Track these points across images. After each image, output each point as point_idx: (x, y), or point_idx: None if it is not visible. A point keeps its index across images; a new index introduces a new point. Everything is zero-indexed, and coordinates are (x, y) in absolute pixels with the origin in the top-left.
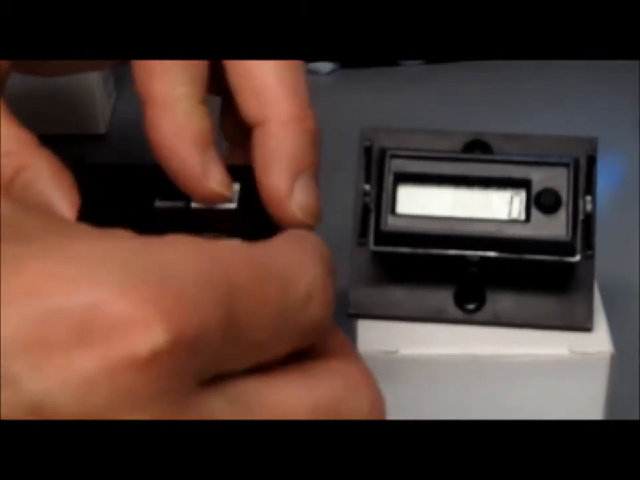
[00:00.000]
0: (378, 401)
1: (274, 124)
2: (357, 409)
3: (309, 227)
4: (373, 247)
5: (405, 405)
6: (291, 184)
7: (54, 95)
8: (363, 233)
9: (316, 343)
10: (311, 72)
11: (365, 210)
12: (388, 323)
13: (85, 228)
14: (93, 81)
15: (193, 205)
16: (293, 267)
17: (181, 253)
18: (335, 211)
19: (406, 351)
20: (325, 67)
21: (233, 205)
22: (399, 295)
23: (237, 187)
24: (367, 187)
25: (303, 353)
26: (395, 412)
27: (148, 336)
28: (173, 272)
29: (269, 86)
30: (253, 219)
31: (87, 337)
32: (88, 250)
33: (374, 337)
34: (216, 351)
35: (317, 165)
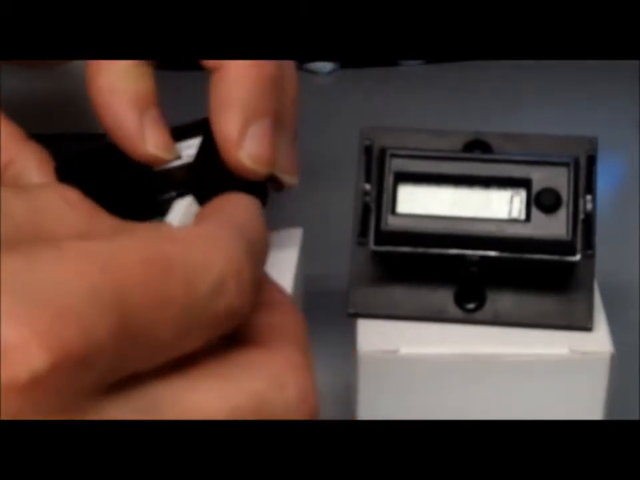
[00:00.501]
0: (306, 394)
1: (228, 69)
2: (281, 406)
3: (259, 176)
4: (373, 247)
5: (405, 404)
6: (241, 131)
7: (54, 95)
8: (363, 233)
9: (237, 328)
10: (311, 72)
11: (365, 209)
12: (388, 323)
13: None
14: None
15: (154, 168)
16: (200, 257)
17: (65, 265)
18: (335, 211)
19: (406, 350)
20: (325, 66)
21: (189, 159)
22: (399, 294)
23: (197, 141)
24: (367, 186)
25: (226, 339)
26: (396, 411)
27: (26, 360)
28: (54, 288)
29: None
30: (209, 173)
31: None
32: None
33: (374, 336)
34: (113, 359)
35: (274, 113)
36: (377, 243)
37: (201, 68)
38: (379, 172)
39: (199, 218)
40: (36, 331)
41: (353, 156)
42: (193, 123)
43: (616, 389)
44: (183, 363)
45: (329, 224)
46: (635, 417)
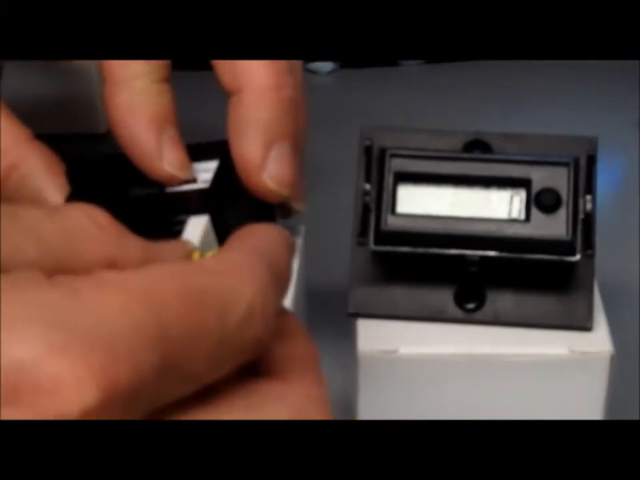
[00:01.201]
0: None
1: (247, 92)
2: None
3: (281, 198)
4: (372, 247)
5: (405, 404)
6: (263, 154)
7: (54, 95)
8: (363, 233)
9: (260, 356)
10: (311, 72)
11: (365, 209)
12: (388, 323)
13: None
14: (93, 81)
15: (167, 189)
16: (231, 288)
17: (107, 300)
18: (335, 211)
19: (406, 350)
20: (325, 66)
21: (204, 185)
22: (399, 294)
23: (213, 164)
24: (367, 186)
25: (243, 368)
26: (395, 411)
27: (78, 395)
28: (101, 324)
29: None
30: (226, 197)
31: (17, 396)
32: (24, 304)
33: (374, 336)
34: (153, 393)
35: (294, 135)
36: (376, 242)
37: (200, 68)
38: (379, 172)
39: (225, 246)
40: (89, 368)
41: (352, 156)
42: (209, 143)
43: (616, 389)
44: (205, 393)
45: (329, 224)
46: (635, 417)
